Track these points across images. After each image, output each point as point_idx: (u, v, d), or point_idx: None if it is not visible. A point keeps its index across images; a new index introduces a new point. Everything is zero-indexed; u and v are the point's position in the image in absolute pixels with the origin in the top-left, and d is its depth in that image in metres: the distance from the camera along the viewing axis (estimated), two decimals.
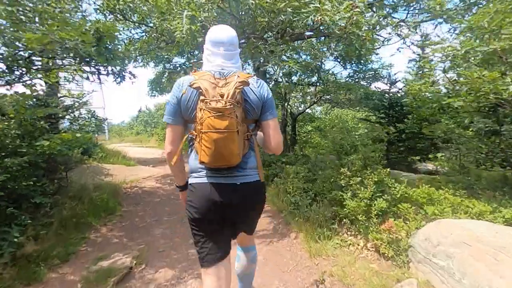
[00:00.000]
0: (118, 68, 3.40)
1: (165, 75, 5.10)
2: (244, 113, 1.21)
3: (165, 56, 4.88)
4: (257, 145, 1.37)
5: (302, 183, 4.13)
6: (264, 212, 4.05)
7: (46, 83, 7.38)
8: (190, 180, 1.29)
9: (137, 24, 4.58)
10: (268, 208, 3.96)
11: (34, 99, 6.45)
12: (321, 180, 3.90)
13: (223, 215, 1.25)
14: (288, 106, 11.12)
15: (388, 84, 7.93)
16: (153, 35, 4.07)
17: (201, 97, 1.11)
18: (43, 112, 4.01)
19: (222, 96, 1.10)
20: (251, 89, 1.24)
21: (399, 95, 7.78)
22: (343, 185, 2.96)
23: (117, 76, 3.52)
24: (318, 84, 9.89)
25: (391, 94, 7.77)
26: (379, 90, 8.12)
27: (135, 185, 5.18)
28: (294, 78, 9.68)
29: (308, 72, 9.61)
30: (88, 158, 6.07)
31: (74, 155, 5.82)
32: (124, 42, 5.45)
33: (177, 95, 1.22)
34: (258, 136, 1.42)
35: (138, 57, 4.88)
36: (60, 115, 6.77)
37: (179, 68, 4.58)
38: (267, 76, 9.11)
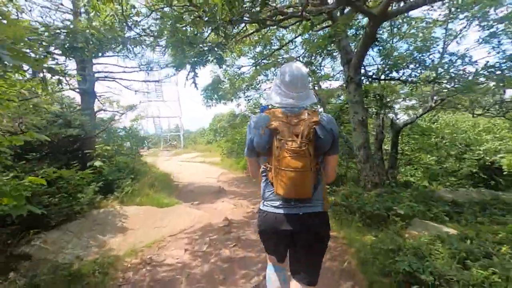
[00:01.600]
0: None
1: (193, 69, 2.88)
2: (315, 149, 1.30)
3: (189, 34, 2.74)
4: (323, 177, 1.42)
5: None
6: None
7: (82, 93, 6.23)
8: (261, 206, 1.46)
9: None
10: None
11: (50, 114, 5.19)
12: None
13: (288, 241, 1.40)
14: (389, 114, 7.93)
15: None
16: None
17: (278, 137, 1.27)
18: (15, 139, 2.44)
19: (297, 135, 1.25)
20: (322, 125, 1.31)
21: None
22: None
23: None
24: (437, 81, 6.41)
25: None
26: None
27: (148, 256, 3.14)
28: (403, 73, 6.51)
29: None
30: (107, 198, 4.41)
31: (86, 195, 4.25)
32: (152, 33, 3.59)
33: (254, 134, 1.38)
34: None
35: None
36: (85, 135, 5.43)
37: (209, 56, 2.39)
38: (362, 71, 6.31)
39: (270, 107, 1.44)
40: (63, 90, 5.24)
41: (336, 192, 5.24)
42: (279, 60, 8.50)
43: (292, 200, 1.32)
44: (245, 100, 10.60)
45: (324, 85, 9.94)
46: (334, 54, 7.19)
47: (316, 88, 9.65)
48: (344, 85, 6.40)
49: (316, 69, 7.53)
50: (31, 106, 4.19)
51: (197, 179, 7.86)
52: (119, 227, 3.69)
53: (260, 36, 6.90)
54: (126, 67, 7.34)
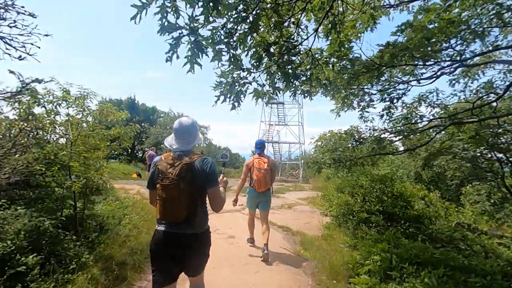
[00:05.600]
0: None
1: None
2: (191, 183, 1.74)
3: None
4: (200, 206, 1.84)
5: None
6: None
7: None
8: (155, 227, 1.86)
9: None
10: None
11: None
12: None
13: (170, 254, 1.78)
14: None
15: None
16: None
17: (160, 174, 1.76)
18: None
19: (171, 174, 1.71)
20: (197, 166, 1.77)
21: None
22: None
23: None
24: None
25: None
26: None
27: None
28: None
29: None
30: None
31: None
32: None
33: (152, 170, 1.88)
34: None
35: None
36: None
37: None
38: None
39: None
40: None
41: None
42: None
43: (173, 223, 1.76)
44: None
45: None
46: None
47: None
48: None
49: None
50: None
51: None
52: None
53: None
54: None
